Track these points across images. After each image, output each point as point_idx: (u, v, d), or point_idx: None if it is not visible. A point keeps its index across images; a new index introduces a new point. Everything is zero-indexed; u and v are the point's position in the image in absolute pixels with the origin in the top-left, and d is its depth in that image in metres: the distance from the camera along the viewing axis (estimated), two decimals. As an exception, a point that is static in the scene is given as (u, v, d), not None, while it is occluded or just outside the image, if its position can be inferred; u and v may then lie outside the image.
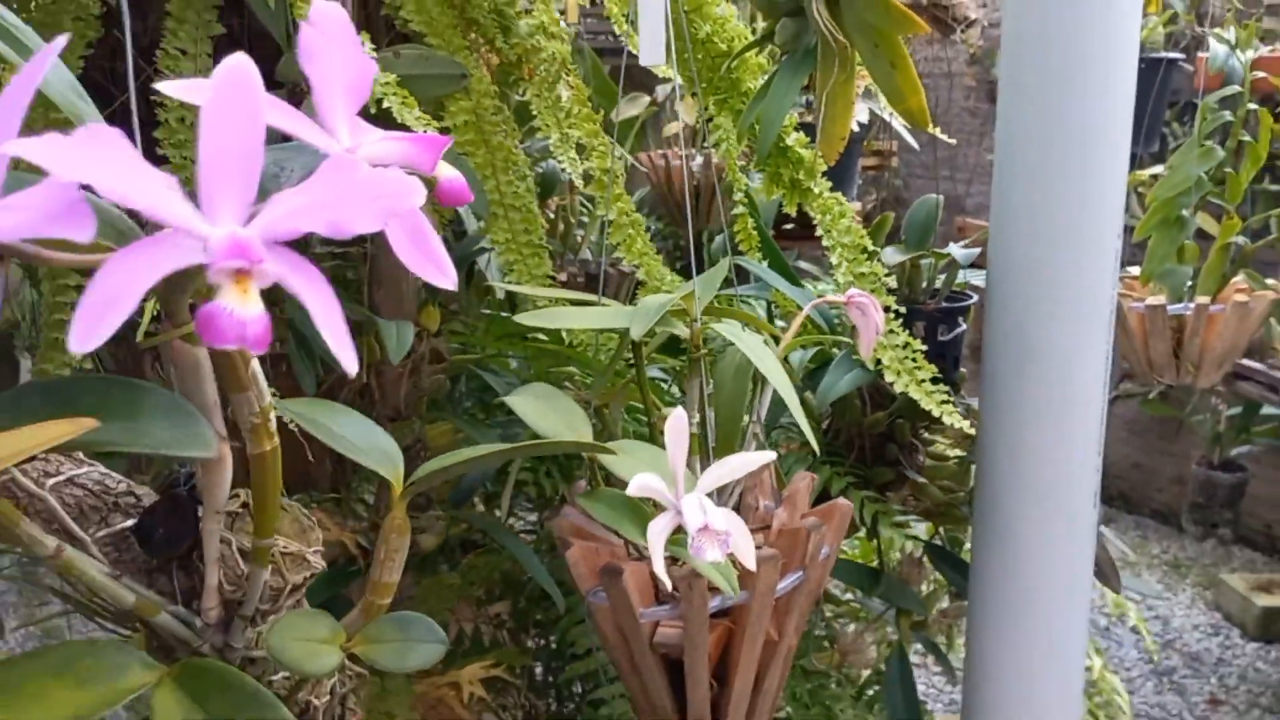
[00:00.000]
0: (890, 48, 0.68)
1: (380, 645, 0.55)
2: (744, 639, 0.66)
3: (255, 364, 0.49)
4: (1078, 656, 1.01)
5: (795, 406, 0.62)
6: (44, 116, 0.65)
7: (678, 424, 0.52)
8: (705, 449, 0.69)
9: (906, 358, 0.85)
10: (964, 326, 1.01)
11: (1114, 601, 1.40)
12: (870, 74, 0.70)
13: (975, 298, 1.04)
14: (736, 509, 0.73)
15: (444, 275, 0.39)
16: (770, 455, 0.54)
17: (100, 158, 0.31)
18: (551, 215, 1.55)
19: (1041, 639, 0.99)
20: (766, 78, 0.75)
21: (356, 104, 0.41)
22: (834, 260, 0.84)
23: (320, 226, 0.33)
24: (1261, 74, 1.27)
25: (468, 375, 1.23)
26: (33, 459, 0.55)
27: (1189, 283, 1.18)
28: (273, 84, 0.92)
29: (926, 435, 1.13)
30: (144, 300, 0.33)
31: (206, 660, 0.53)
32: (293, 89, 0.89)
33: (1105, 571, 1.06)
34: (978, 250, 1.02)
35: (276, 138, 0.43)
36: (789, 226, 1.67)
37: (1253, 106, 1.23)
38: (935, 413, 0.83)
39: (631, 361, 0.75)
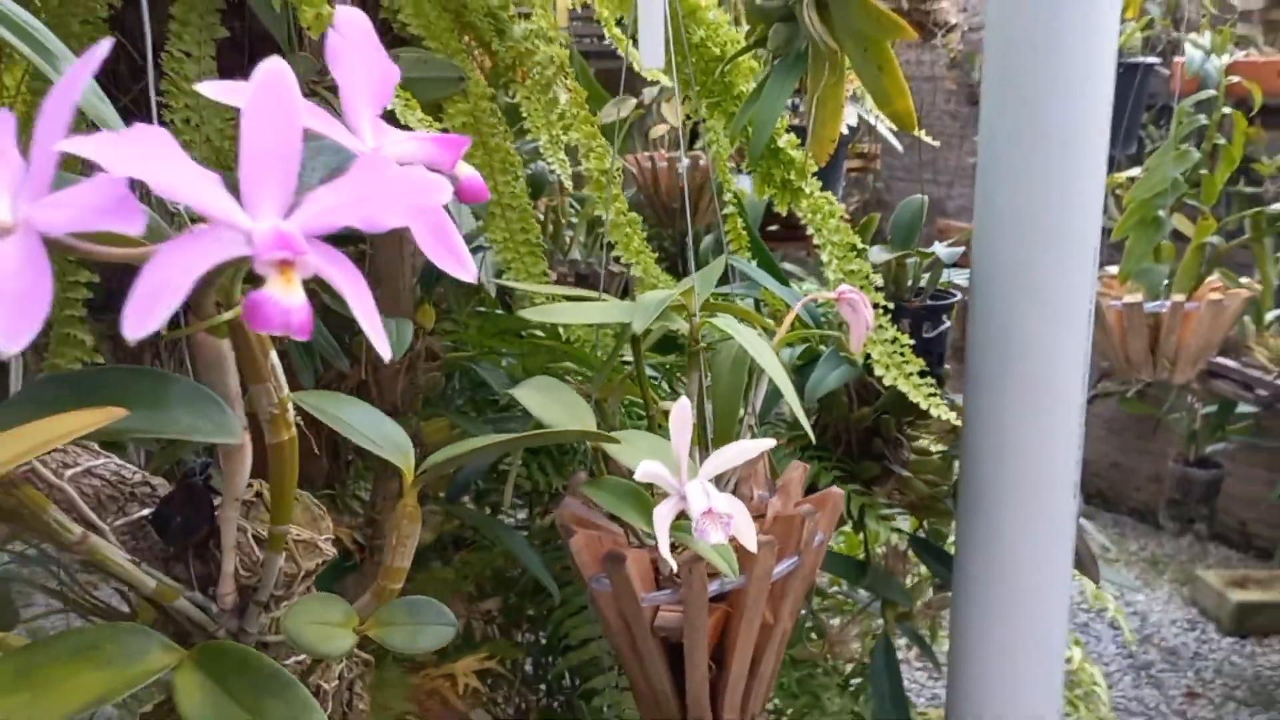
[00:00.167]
0: (878, 52, 0.70)
1: (392, 628, 0.56)
2: (741, 622, 0.68)
3: (274, 356, 0.51)
4: (1059, 645, 1.04)
5: (792, 397, 0.64)
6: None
7: (681, 413, 0.54)
8: (704, 439, 0.71)
9: (895, 352, 0.87)
10: (948, 324, 1.04)
11: (1093, 594, 1.43)
12: (859, 78, 0.73)
13: (959, 296, 1.06)
14: (731, 499, 0.75)
15: (465, 269, 0.41)
16: (770, 442, 0.56)
17: (150, 155, 0.33)
18: (541, 216, 1.57)
19: (1024, 627, 1.02)
20: (759, 81, 0.77)
21: (379, 105, 0.43)
22: (824, 258, 0.87)
23: (355, 221, 0.35)
24: (1236, 78, 1.31)
25: (461, 372, 1.25)
26: (51, 451, 0.57)
27: (1165, 281, 1.21)
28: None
29: (911, 431, 1.16)
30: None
31: (225, 642, 0.55)
32: (294, 90, 0.91)
33: (1084, 562, 1.09)
34: (961, 249, 1.04)
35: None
36: (773, 228, 1.70)
37: (1227, 110, 1.26)
38: (923, 405, 0.85)
39: (626, 358, 0.78)
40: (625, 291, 1.59)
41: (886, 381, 0.85)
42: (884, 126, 1.46)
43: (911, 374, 0.87)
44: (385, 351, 0.35)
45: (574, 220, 1.76)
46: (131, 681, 0.50)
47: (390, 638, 0.56)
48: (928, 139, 0.97)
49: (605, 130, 0.80)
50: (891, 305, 0.90)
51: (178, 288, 0.33)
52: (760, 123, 0.75)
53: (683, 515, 0.59)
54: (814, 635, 1.18)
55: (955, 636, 1.05)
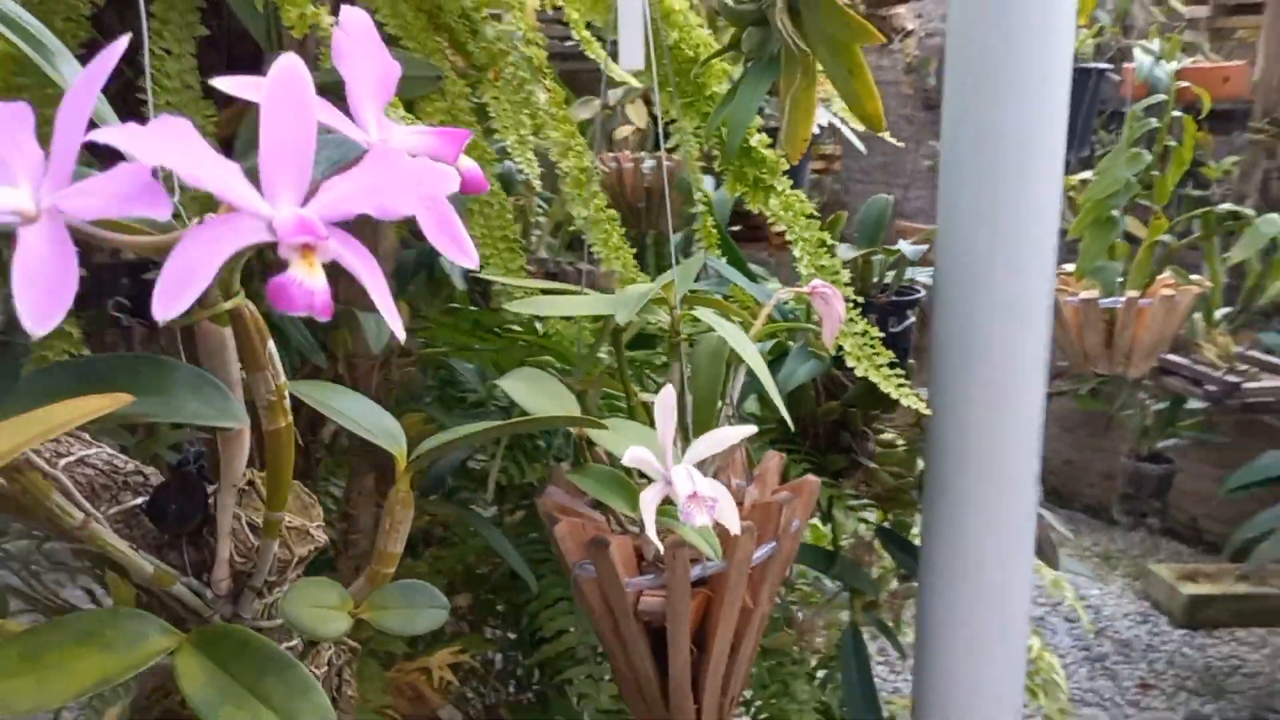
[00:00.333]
0: (848, 56, 0.73)
1: (387, 611, 0.58)
2: (722, 606, 0.70)
3: (271, 344, 0.52)
4: (1021, 631, 1.07)
5: (772, 389, 0.66)
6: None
7: (667, 401, 0.56)
8: (685, 428, 0.73)
9: (865, 344, 0.90)
10: (912, 319, 1.07)
11: (1052, 582, 1.48)
12: (830, 80, 0.75)
13: (922, 292, 1.10)
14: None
15: (468, 257, 0.43)
16: (751, 429, 0.58)
17: (175, 145, 0.34)
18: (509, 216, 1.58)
19: (988, 613, 1.05)
20: (733, 83, 0.80)
21: (383, 100, 0.44)
22: (796, 253, 0.89)
23: (369, 209, 0.37)
24: (1185, 83, 1.35)
25: (433, 369, 1.26)
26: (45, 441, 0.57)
27: (1120, 278, 1.25)
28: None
29: (875, 425, 1.19)
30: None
31: (223, 626, 0.56)
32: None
33: (1045, 550, 1.12)
34: (925, 247, 1.07)
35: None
36: (735, 229, 1.73)
37: (1177, 114, 1.31)
38: (894, 396, 0.88)
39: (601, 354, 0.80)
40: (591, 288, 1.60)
41: (859, 372, 0.88)
42: (847, 128, 1.49)
43: (882, 365, 0.90)
44: (400, 333, 0.37)
45: (541, 219, 1.77)
46: (134, 664, 0.51)
47: (385, 621, 0.57)
48: (892, 140, 0.99)
49: (589, 130, 0.81)
50: (861, 300, 0.93)
51: (205, 272, 0.34)
52: (735, 123, 0.78)
53: (667, 500, 0.61)
54: (784, 626, 1.21)
55: (921, 624, 1.08)
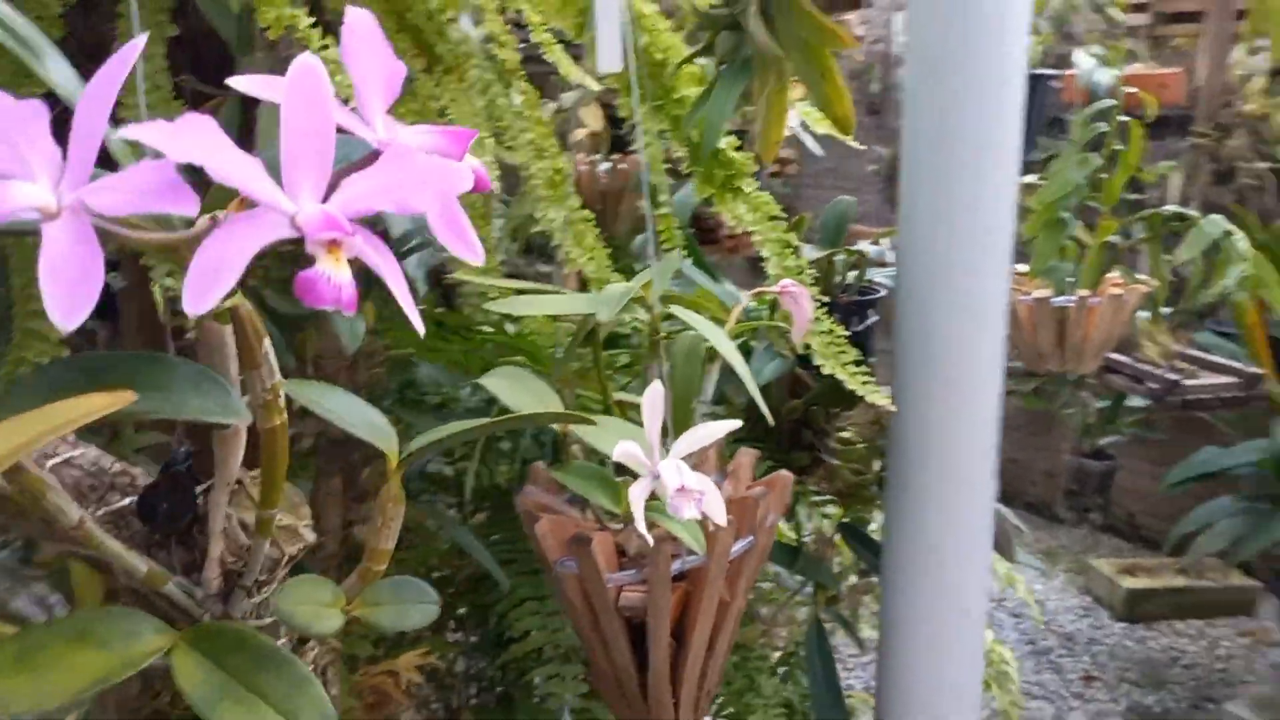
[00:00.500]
0: (820, 60, 0.75)
1: (379, 608, 0.58)
2: (701, 599, 0.72)
3: (267, 343, 0.53)
4: (979, 625, 1.10)
5: (752, 385, 0.68)
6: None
7: (654, 397, 0.58)
8: (664, 427, 0.74)
9: (832, 343, 0.92)
10: (875, 318, 1.10)
11: (1004, 575, 1.51)
12: (802, 83, 0.77)
13: (883, 292, 1.12)
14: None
15: (474, 253, 0.44)
16: (735, 423, 0.60)
17: (202, 142, 0.35)
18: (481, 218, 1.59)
19: (948, 606, 1.07)
20: (707, 86, 0.81)
21: (388, 100, 0.45)
22: (765, 254, 0.91)
23: (388, 205, 0.38)
24: (1133, 89, 1.40)
25: (395, 370, 1.26)
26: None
27: (1070, 278, 1.29)
28: (225, 84, 0.94)
29: (837, 422, 1.21)
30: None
31: (217, 623, 0.56)
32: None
33: (1000, 543, 1.15)
34: (887, 247, 1.10)
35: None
36: (690, 232, 1.75)
37: (1124, 119, 1.35)
38: (860, 393, 0.90)
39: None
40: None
41: (826, 370, 0.90)
42: (804, 132, 1.51)
43: (848, 363, 0.92)
44: (419, 326, 0.38)
45: (498, 222, 1.78)
46: (130, 662, 0.51)
47: (377, 617, 0.58)
48: (852, 143, 1.02)
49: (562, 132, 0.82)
50: (825, 300, 0.95)
51: (233, 267, 0.35)
52: (710, 126, 0.79)
53: (652, 495, 0.62)
54: (749, 621, 1.22)
55: (884, 620, 1.10)
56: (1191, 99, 2.22)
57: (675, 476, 0.56)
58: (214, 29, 0.89)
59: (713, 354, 0.81)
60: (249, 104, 0.92)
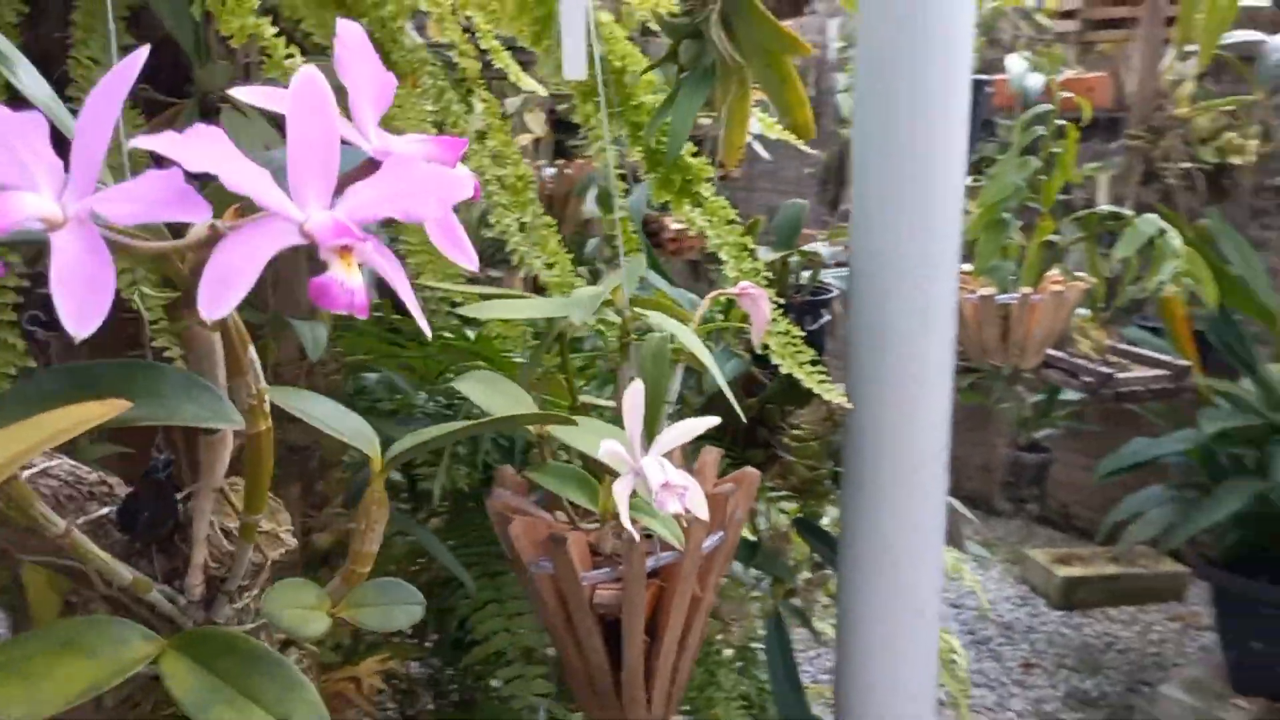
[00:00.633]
0: (780, 67, 0.77)
1: (365, 609, 0.59)
2: (675, 595, 0.73)
3: (252, 350, 0.53)
4: (934, 619, 1.13)
5: (724, 383, 0.69)
6: None
7: (635, 396, 0.59)
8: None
9: (788, 343, 0.94)
10: (828, 317, 1.12)
11: (951, 565, 1.55)
12: (763, 89, 0.79)
13: (836, 292, 1.15)
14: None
15: (469, 259, 0.45)
16: (714, 420, 0.61)
17: (215, 152, 0.36)
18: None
19: (903, 603, 1.10)
20: (669, 93, 0.83)
21: (380, 110, 0.46)
22: (723, 257, 0.93)
23: (394, 212, 0.39)
24: (1068, 93, 1.45)
25: (351, 378, 1.26)
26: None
27: (1012, 276, 1.34)
28: (180, 92, 0.93)
29: (791, 420, 1.24)
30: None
31: (206, 629, 0.56)
32: (202, 96, 0.91)
33: (951, 533, 1.18)
34: (841, 248, 1.13)
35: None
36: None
37: (1060, 122, 1.40)
38: (817, 391, 0.92)
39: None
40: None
41: (783, 369, 0.92)
42: (750, 136, 1.54)
43: (804, 363, 0.94)
44: (426, 329, 0.39)
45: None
46: (120, 669, 0.51)
47: (364, 618, 0.59)
48: (806, 149, 1.04)
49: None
50: (781, 301, 0.97)
51: (247, 274, 0.36)
52: (676, 132, 0.81)
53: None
54: (710, 616, 1.24)
55: (842, 618, 1.12)
56: (1117, 103, 2.29)
57: (659, 473, 0.58)
58: (169, 37, 0.88)
59: (676, 355, 0.82)
60: (206, 112, 0.92)
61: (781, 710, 1.14)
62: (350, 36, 0.45)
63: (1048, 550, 3.24)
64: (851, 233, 1.04)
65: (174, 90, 0.94)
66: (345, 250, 0.36)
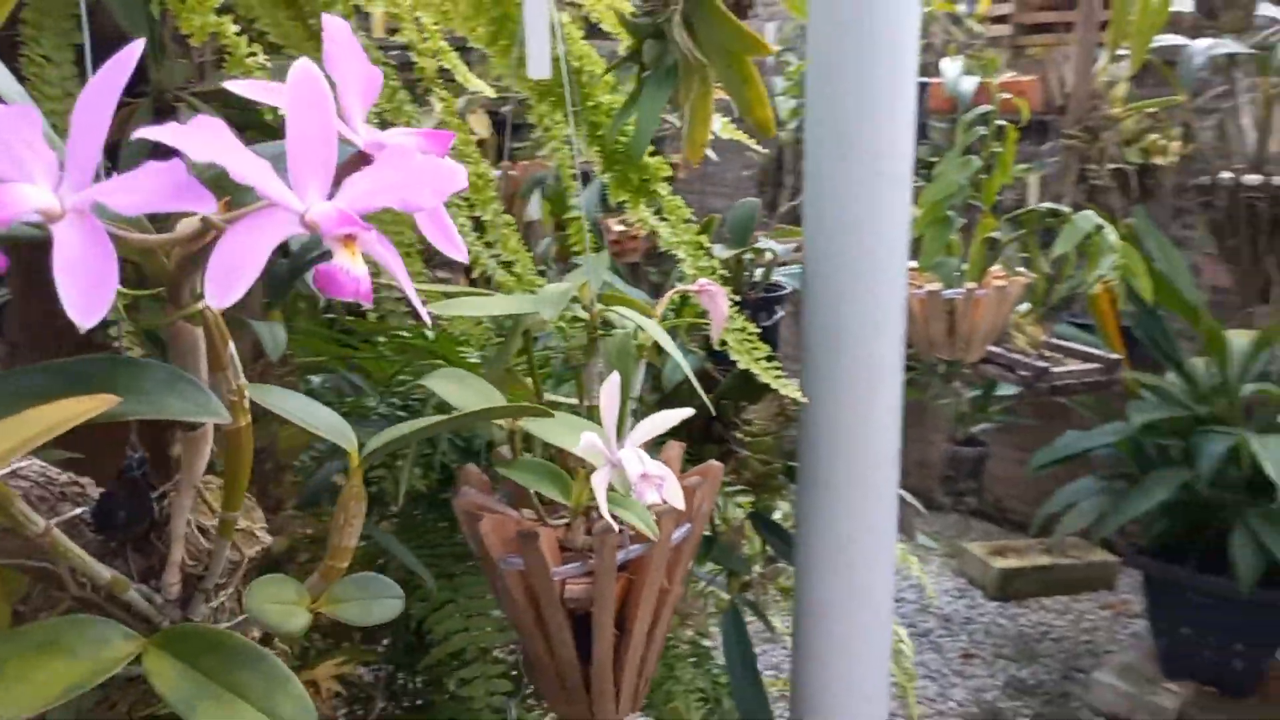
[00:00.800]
0: (741, 66, 0.79)
1: (345, 604, 0.59)
2: (644, 587, 0.74)
3: (232, 346, 0.53)
4: (887, 617, 1.15)
5: (691, 376, 0.71)
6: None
7: (612, 389, 0.60)
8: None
9: (745, 339, 0.95)
10: (781, 314, 1.14)
11: (900, 555, 1.59)
12: (725, 88, 0.81)
13: (788, 289, 1.17)
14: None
15: (459, 251, 0.46)
16: (688, 411, 0.63)
17: (217, 142, 0.36)
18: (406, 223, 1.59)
19: (859, 593, 1.13)
20: (632, 93, 0.84)
21: (367, 105, 0.46)
22: (680, 255, 0.94)
23: (393, 203, 0.39)
24: (1007, 95, 1.49)
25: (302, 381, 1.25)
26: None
27: (957, 273, 1.37)
28: (133, 91, 0.92)
29: (744, 415, 1.25)
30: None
31: (186, 626, 0.56)
32: (158, 95, 0.90)
33: (903, 524, 1.21)
34: (795, 245, 1.15)
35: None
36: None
37: (1000, 123, 1.44)
38: (774, 386, 0.94)
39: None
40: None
41: (741, 366, 0.93)
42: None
43: (760, 358, 0.96)
44: (427, 319, 0.39)
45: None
46: (100, 669, 0.51)
47: (344, 613, 0.59)
48: (758, 148, 1.06)
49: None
50: (737, 297, 0.99)
51: (252, 263, 0.36)
52: (641, 129, 0.82)
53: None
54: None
55: (800, 609, 1.14)
56: (1046, 105, 2.36)
57: (637, 464, 0.59)
58: (124, 35, 0.87)
59: (640, 351, 0.84)
60: (161, 111, 0.91)
61: (740, 704, 1.15)
62: (338, 32, 0.45)
63: (984, 543, 3.32)
64: (805, 231, 1.06)
65: (128, 89, 0.93)
66: (349, 239, 0.37)
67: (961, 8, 2.53)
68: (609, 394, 0.60)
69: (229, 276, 0.35)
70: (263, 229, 0.37)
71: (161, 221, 0.46)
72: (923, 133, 2.66)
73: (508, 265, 0.92)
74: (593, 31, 1.05)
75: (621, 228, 2.25)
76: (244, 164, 0.36)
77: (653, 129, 0.82)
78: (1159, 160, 2.64)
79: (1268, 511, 2.24)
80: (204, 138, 0.35)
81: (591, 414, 0.75)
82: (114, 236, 0.39)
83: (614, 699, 0.80)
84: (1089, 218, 1.28)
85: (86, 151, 0.37)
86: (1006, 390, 2.60)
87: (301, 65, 0.39)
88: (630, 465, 0.59)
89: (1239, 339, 2.40)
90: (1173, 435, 2.46)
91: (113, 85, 0.38)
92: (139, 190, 0.36)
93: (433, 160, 0.41)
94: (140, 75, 0.90)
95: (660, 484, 0.60)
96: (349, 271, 0.36)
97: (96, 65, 0.92)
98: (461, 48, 1.09)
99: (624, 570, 0.75)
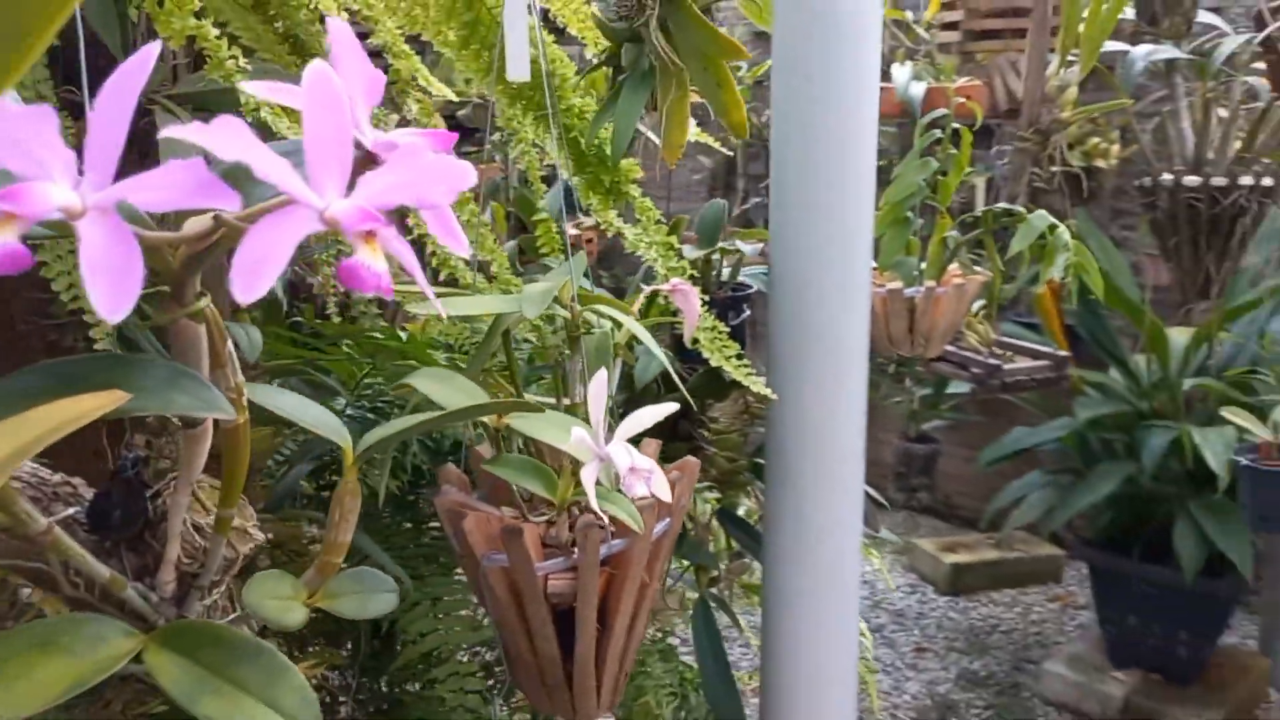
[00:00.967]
0: (717, 70, 0.80)
1: (341, 598, 0.60)
2: (625, 582, 0.76)
3: (230, 344, 0.54)
4: (855, 603, 1.18)
5: (673, 372, 0.72)
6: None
7: (599, 385, 0.61)
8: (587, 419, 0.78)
9: (715, 337, 0.97)
10: (748, 312, 1.16)
11: (863, 550, 1.62)
12: (700, 91, 0.82)
13: (755, 288, 1.19)
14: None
15: (462, 247, 0.47)
16: (673, 406, 0.64)
17: (240, 141, 0.37)
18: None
19: (828, 589, 1.15)
20: (609, 96, 0.86)
21: (370, 105, 0.47)
22: (651, 255, 0.96)
23: (408, 199, 0.40)
24: (961, 99, 1.53)
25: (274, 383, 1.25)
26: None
27: (916, 272, 1.40)
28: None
29: (710, 413, 1.27)
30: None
31: (184, 622, 0.56)
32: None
33: (867, 517, 1.24)
34: (763, 245, 1.17)
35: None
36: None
37: (955, 126, 1.48)
38: (744, 383, 0.96)
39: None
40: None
41: (713, 363, 0.95)
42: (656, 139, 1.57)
43: (731, 356, 0.98)
44: (442, 312, 0.40)
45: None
46: (101, 667, 0.51)
47: (341, 607, 0.59)
48: (725, 150, 1.08)
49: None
50: (706, 297, 1.00)
51: (274, 259, 0.37)
52: (619, 132, 0.83)
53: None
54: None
55: (768, 606, 1.16)
56: (992, 110, 2.41)
57: (626, 458, 0.60)
58: (94, 38, 0.87)
59: (616, 350, 0.85)
60: (136, 115, 0.90)
61: (710, 697, 1.17)
62: (342, 34, 0.46)
63: (934, 539, 3.37)
64: (771, 224, 1.08)
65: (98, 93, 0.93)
66: (369, 235, 0.38)
67: (909, 14, 2.58)
68: (596, 390, 0.61)
69: (254, 272, 0.36)
70: (285, 226, 0.37)
71: (161, 221, 0.47)
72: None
73: (483, 266, 0.93)
74: (559, 36, 1.07)
75: (575, 231, 2.26)
76: (266, 162, 0.37)
77: (630, 131, 0.84)
78: (1100, 163, 2.72)
79: (1209, 503, 2.31)
80: (226, 136, 0.36)
81: (571, 411, 0.77)
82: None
83: (595, 694, 0.81)
84: (1043, 217, 1.32)
85: (106, 150, 0.38)
86: (958, 388, 2.66)
87: (317, 67, 0.40)
88: (619, 459, 0.61)
89: (1179, 336, 2.48)
90: (1117, 430, 2.53)
91: (132, 83, 0.38)
92: (163, 187, 0.37)
93: (444, 158, 0.42)
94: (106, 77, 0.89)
95: (649, 477, 0.61)
96: (370, 267, 0.37)
97: (70, 68, 0.92)
98: (420, 51, 1.09)
99: (605, 565, 0.77)
